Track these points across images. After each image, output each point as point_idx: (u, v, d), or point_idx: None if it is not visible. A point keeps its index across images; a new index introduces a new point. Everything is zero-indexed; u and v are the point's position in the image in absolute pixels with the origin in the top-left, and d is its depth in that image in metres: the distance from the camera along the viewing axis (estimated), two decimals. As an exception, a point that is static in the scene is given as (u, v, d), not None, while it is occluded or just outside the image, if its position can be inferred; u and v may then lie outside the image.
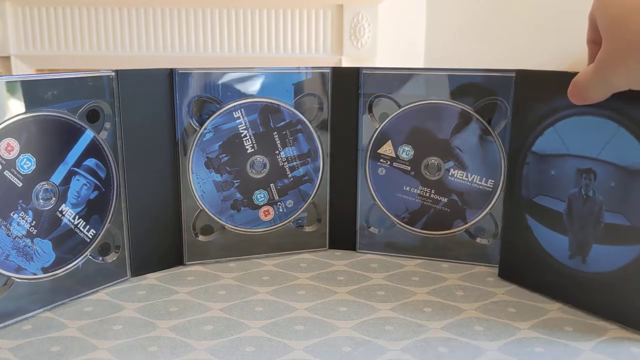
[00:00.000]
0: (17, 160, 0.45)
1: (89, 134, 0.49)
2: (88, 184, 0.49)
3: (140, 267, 0.55)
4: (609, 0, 0.40)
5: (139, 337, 0.44)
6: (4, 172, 0.44)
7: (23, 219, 0.46)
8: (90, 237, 0.50)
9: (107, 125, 0.50)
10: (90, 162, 0.49)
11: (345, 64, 2.18)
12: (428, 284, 0.53)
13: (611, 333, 0.44)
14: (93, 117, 0.49)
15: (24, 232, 0.46)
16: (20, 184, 0.45)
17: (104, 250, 0.52)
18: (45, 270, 0.47)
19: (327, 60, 2.19)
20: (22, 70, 2.18)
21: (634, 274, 0.44)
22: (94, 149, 0.50)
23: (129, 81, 0.51)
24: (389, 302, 0.49)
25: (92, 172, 0.50)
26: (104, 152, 0.50)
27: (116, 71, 0.50)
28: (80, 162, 0.49)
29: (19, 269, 0.46)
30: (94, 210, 0.50)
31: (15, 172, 0.45)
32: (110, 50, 2.20)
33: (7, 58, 2.19)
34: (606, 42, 0.40)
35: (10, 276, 0.45)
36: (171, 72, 0.53)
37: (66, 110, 0.47)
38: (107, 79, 0.50)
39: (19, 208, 0.45)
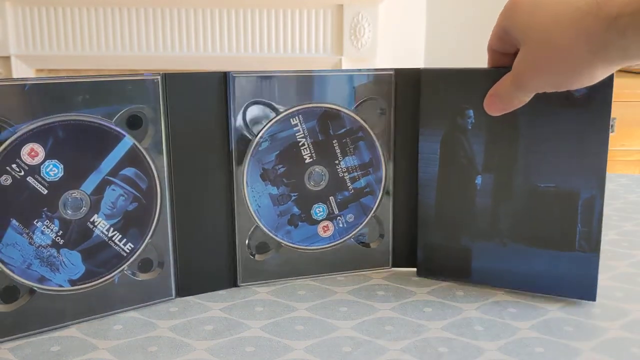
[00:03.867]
0: (41, 167, 0.42)
1: (127, 142, 0.45)
2: (126, 195, 0.46)
3: (187, 287, 0.50)
4: (521, 13, 0.42)
5: (139, 337, 0.44)
6: (27, 178, 0.42)
7: (48, 227, 0.43)
8: (128, 251, 0.47)
9: (151, 132, 0.46)
10: (129, 171, 0.46)
11: (345, 63, 2.18)
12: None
13: (611, 333, 0.44)
14: (134, 123, 0.46)
15: (49, 242, 0.43)
16: (46, 191, 0.43)
17: (144, 266, 0.48)
18: (72, 282, 0.45)
19: (327, 60, 2.19)
20: (22, 70, 2.18)
21: None
22: (133, 158, 0.46)
23: (177, 85, 0.47)
24: (389, 302, 0.49)
25: (131, 182, 0.46)
26: (146, 162, 0.46)
27: (162, 74, 0.47)
28: (116, 171, 0.45)
29: (42, 279, 0.44)
30: (132, 223, 0.46)
31: (40, 179, 0.42)
32: (110, 50, 2.20)
33: (7, 58, 2.19)
34: (524, 52, 0.43)
35: (33, 286, 0.43)
36: (225, 75, 0.49)
37: (100, 116, 0.44)
38: (152, 83, 0.46)
39: (44, 216, 0.43)
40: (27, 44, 2.20)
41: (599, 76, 0.41)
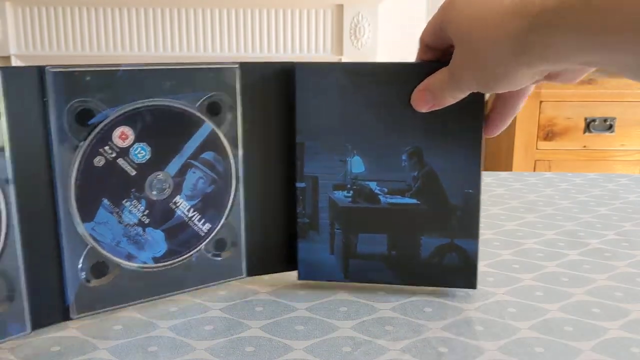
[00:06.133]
0: (131, 149, 0.45)
1: (207, 127, 0.48)
2: (204, 177, 0.48)
3: (256, 268, 0.52)
4: (456, 10, 0.42)
5: (138, 337, 0.44)
6: (117, 160, 0.44)
7: (135, 207, 0.45)
8: (205, 231, 0.49)
9: (228, 118, 0.49)
10: (208, 155, 0.48)
11: (345, 64, 2.18)
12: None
13: (611, 333, 0.44)
14: (214, 109, 0.48)
15: (136, 221, 0.46)
16: (134, 173, 0.45)
17: (219, 245, 0.50)
18: (156, 260, 0.47)
19: (327, 60, 2.19)
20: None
21: None
22: (212, 142, 0.48)
23: (253, 75, 0.49)
24: (389, 302, 0.49)
25: (210, 165, 0.48)
26: (223, 146, 0.49)
27: (240, 64, 0.48)
28: (197, 155, 0.48)
29: (129, 257, 0.46)
30: (210, 204, 0.49)
31: (129, 161, 0.45)
32: (110, 50, 2.20)
33: (7, 58, 2.19)
34: (457, 50, 0.42)
35: (120, 263, 0.46)
36: (293, 66, 0.49)
37: (185, 101, 0.46)
38: (230, 71, 0.48)
39: (132, 196, 0.45)
40: (27, 44, 2.19)
41: (525, 81, 0.40)
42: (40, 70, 0.41)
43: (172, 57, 2.22)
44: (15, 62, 2.19)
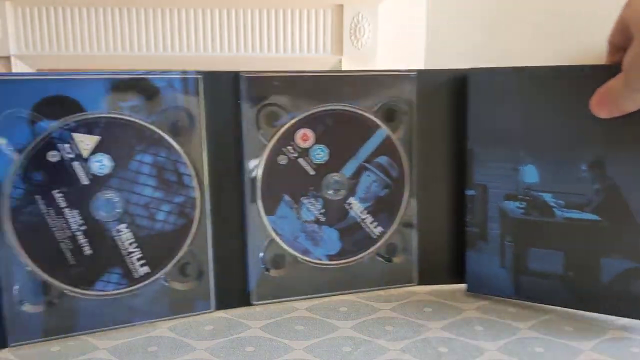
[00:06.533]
0: (311, 150, 0.48)
1: (382, 132, 0.49)
2: (378, 181, 0.50)
3: (427, 276, 0.52)
4: (637, 3, 0.39)
5: (139, 337, 0.44)
6: (298, 160, 0.48)
7: (313, 205, 0.48)
8: (377, 234, 0.50)
9: (403, 124, 0.50)
10: (382, 159, 0.50)
11: (345, 63, 2.18)
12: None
13: (611, 333, 0.44)
14: (389, 115, 0.49)
15: (313, 218, 0.49)
16: (313, 172, 0.48)
17: (390, 250, 0.51)
18: (330, 257, 0.50)
19: (327, 60, 2.19)
20: (21, 70, 2.18)
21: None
22: (387, 147, 0.50)
23: (428, 81, 0.50)
24: (389, 302, 0.49)
25: (384, 169, 0.50)
26: (398, 151, 0.50)
27: (417, 71, 0.50)
28: (371, 158, 0.49)
29: (305, 252, 0.49)
30: (382, 208, 0.50)
31: (309, 161, 0.48)
32: (110, 50, 2.20)
33: (7, 58, 2.19)
34: (631, 46, 0.39)
35: (297, 256, 0.49)
36: (465, 74, 0.49)
37: (362, 107, 0.49)
38: (407, 79, 0.49)
39: (310, 195, 0.48)
40: (27, 44, 2.19)
41: None
42: (236, 75, 0.46)
43: (172, 57, 2.22)
44: (15, 63, 2.19)
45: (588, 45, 2.10)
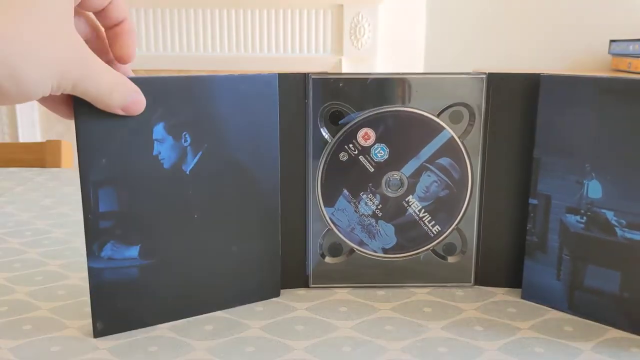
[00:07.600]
0: (371, 148, 0.50)
1: (446, 134, 0.50)
2: (439, 182, 0.50)
3: (484, 278, 0.52)
4: None
5: (139, 337, 0.44)
6: (359, 157, 0.50)
7: (370, 200, 0.50)
8: (435, 232, 0.52)
9: (469, 127, 0.50)
10: (445, 161, 0.50)
11: (345, 63, 2.18)
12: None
13: (611, 333, 0.44)
14: (455, 118, 0.50)
15: (370, 212, 0.51)
16: (372, 170, 0.50)
17: (448, 249, 0.52)
18: (385, 250, 0.52)
19: (327, 60, 2.19)
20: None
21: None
22: (450, 149, 0.50)
23: (498, 85, 0.49)
24: (389, 302, 0.49)
25: (445, 171, 0.50)
26: (462, 154, 0.50)
27: (487, 74, 0.49)
28: (433, 160, 0.50)
29: (361, 243, 0.51)
30: (442, 208, 0.51)
31: (369, 159, 0.50)
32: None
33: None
34: None
35: (353, 247, 0.51)
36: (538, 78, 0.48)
37: (427, 109, 0.49)
38: (476, 82, 0.49)
39: (369, 190, 0.50)
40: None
41: None
42: (305, 76, 0.48)
43: (172, 57, 2.22)
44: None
45: (588, 45, 2.11)
